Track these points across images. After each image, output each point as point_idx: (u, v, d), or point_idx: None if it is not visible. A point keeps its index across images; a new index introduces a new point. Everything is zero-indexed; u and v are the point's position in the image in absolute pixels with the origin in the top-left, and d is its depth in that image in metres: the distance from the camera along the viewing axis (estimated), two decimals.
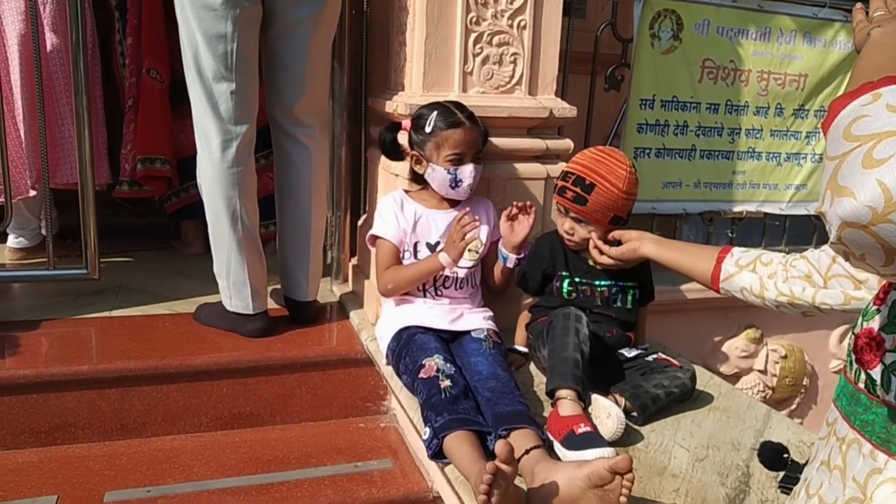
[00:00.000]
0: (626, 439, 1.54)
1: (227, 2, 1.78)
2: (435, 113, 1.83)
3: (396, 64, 2.17)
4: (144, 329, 2.05)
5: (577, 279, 1.85)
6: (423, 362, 1.65)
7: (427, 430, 1.51)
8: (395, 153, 1.97)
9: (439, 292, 1.90)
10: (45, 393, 1.76)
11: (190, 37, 1.84)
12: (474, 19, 1.98)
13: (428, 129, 1.83)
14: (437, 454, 1.47)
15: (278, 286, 2.25)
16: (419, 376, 1.63)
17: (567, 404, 1.48)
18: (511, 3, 2.01)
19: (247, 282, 1.99)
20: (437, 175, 1.85)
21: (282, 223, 2.12)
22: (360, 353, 2.00)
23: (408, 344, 1.75)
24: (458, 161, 1.83)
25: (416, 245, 1.90)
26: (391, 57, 2.23)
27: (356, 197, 2.53)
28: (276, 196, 2.12)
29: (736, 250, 1.47)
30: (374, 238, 1.92)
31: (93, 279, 2.16)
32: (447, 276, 1.89)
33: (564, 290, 1.85)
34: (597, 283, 1.85)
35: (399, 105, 2.02)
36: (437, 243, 1.89)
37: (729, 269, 1.44)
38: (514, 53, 2.05)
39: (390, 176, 2.12)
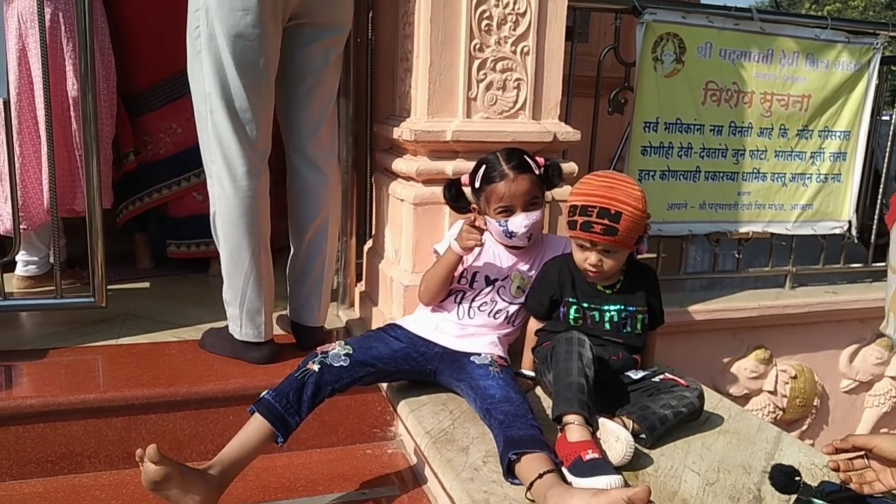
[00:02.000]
0: (636, 463, 1.53)
1: (262, 33, 1.82)
2: (483, 167, 1.86)
3: (401, 90, 2.19)
4: (151, 357, 2.05)
5: (584, 304, 1.82)
6: (336, 343, 1.74)
7: (264, 393, 1.60)
8: (459, 207, 1.96)
9: (472, 313, 1.90)
10: (52, 422, 1.76)
11: (216, 67, 1.83)
12: (478, 46, 2.00)
13: (477, 185, 1.87)
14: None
15: (283, 312, 2.26)
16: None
17: (575, 430, 1.47)
18: (514, 30, 2.03)
19: (261, 310, 2.00)
20: (491, 227, 1.88)
21: (298, 248, 2.13)
22: None
23: (377, 329, 1.85)
24: (507, 212, 1.84)
25: (475, 275, 1.92)
26: (396, 83, 2.25)
27: (362, 222, 2.54)
28: (292, 221, 2.13)
29: None
30: (435, 252, 1.97)
31: (100, 307, 2.16)
32: (485, 301, 1.91)
33: (571, 317, 1.82)
34: (606, 307, 1.82)
35: (404, 131, 2.04)
36: (496, 280, 1.90)
37: None
38: (517, 79, 2.06)
39: (396, 201, 2.13)
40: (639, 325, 1.84)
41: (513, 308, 1.93)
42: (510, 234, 1.86)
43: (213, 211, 1.97)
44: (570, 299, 1.83)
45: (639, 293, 1.84)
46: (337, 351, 1.71)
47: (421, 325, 1.88)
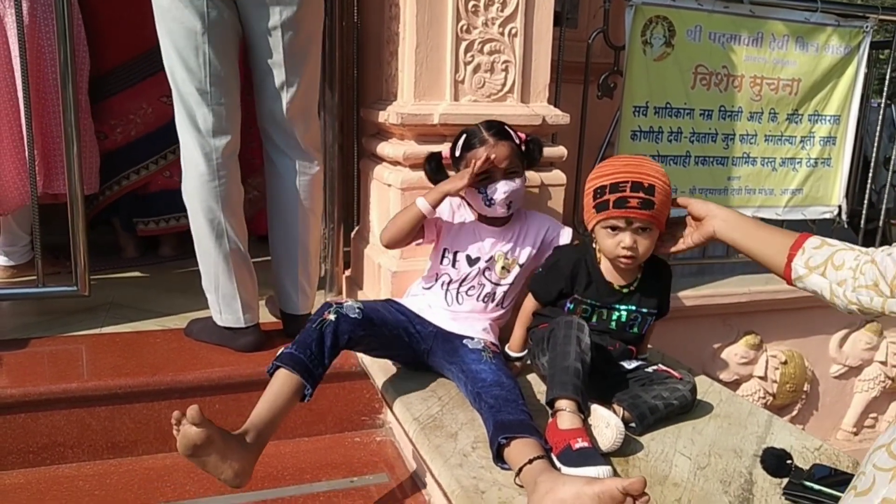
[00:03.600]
0: (626, 448, 1.52)
1: (195, 16, 1.78)
2: (463, 136, 1.85)
3: (388, 73, 2.16)
4: (135, 345, 2.02)
5: (596, 303, 1.76)
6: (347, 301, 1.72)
7: (282, 349, 1.56)
8: (439, 181, 1.92)
9: (460, 299, 1.89)
10: (34, 412, 1.73)
11: (167, 52, 1.84)
12: (465, 27, 1.97)
13: (458, 154, 1.86)
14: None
15: (272, 294, 2.23)
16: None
17: (566, 416, 1.45)
18: (501, 11, 2.00)
19: (236, 295, 1.96)
20: (472, 197, 1.87)
21: (272, 235, 2.09)
22: (354, 367, 1.97)
23: (383, 302, 1.80)
24: (487, 180, 1.81)
25: (455, 254, 1.90)
26: (382, 67, 2.22)
27: (349, 209, 2.51)
28: (267, 208, 2.10)
29: (808, 245, 1.34)
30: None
31: (83, 296, 2.12)
32: (472, 285, 1.89)
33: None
34: (617, 306, 1.76)
35: (391, 115, 2.01)
36: (478, 259, 1.88)
37: (799, 270, 1.34)
38: (505, 61, 2.03)
39: (383, 186, 2.10)
40: (645, 326, 1.80)
41: (500, 289, 1.91)
42: (489, 202, 1.83)
43: (184, 197, 1.95)
44: (583, 298, 1.76)
45: (653, 293, 1.78)
46: (351, 304, 1.69)
47: (416, 304, 1.87)
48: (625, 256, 1.66)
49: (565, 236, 1.97)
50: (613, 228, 1.66)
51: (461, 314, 1.87)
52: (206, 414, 1.81)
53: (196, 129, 1.86)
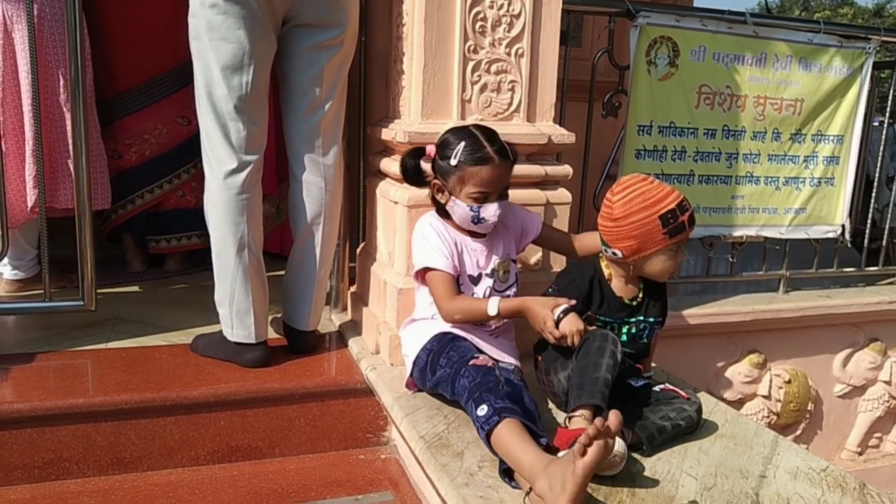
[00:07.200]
0: (633, 468, 1.51)
1: (245, 36, 1.81)
2: (462, 144, 1.73)
3: (395, 92, 2.18)
4: (141, 361, 2.02)
5: (609, 319, 1.77)
6: (476, 355, 1.64)
7: (485, 407, 1.46)
8: (418, 179, 1.88)
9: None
10: (40, 427, 1.73)
11: (206, 69, 1.85)
12: (472, 48, 1.99)
13: (453, 162, 1.73)
14: (487, 437, 1.44)
15: (277, 315, 2.24)
16: (470, 364, 1.60)
17: (578, 420, 1.46)
18: (508, 32, 2.01)
19: (250, 310, 1.97)
20: (458, 209, 1.78)
21: (294, 252, 2.11)
22: (359, 383, 1.97)
23: (452, 342, 1.71)
24: (482, 199, 1.75)
25: (458, 278, 1.84)
26: (389, 85, 2.24)
27: (355, 225, 2.52)
28: (290, 224, 2.12)
29: None
30: (426, 271, 1.80)
31: (89, 311, 2.13)
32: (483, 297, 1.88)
33: None
34: (628, 320, 1.77)
35: (397, 133, 2.02)
36: (480, 275, 1.86)
37: None
38: (512, 81, 2.05)
39: (389, 203, 2.11)
40: (653, 335, 1.82)
41: (509, 293, 1.90)
42: (479, 220, 1.77)
43: (206, 210, 1.97)
44: (596, 315, 1.76)
45: (658, 302, 1.81)
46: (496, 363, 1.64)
47: (462, 331, 1.81)
48: (670, 273, 1.73)
49: (538, 218, 1.98)
50: (677, 248, 1.70)
51: (490, 325, 1.85)
52: (212, 431, 1.84)
53: (230, 143, 1.89)
